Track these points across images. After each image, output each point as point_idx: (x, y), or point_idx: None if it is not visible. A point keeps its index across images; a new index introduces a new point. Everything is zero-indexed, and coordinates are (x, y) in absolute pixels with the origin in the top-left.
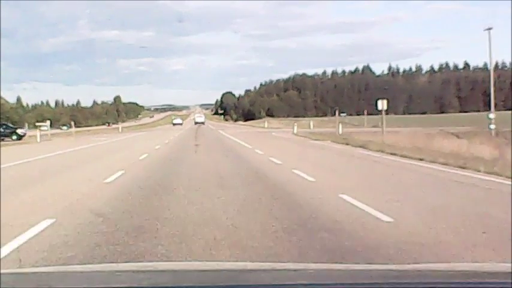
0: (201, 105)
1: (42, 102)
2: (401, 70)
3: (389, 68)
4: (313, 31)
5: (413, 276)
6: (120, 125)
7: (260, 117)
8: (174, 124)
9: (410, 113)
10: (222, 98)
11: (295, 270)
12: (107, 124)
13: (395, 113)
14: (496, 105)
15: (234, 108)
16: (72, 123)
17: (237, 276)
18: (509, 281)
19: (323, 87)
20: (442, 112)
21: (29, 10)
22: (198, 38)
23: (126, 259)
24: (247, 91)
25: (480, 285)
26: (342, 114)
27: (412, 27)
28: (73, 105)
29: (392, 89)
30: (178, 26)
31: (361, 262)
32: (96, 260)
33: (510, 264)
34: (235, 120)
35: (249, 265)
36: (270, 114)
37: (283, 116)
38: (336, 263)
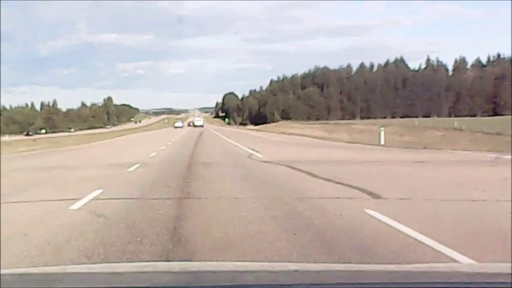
0: (200, 109)
1: (26, 105)
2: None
3: (428, 61)
4: (312, 34)
5: (413, 276)
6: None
7: (274, 120)
8: (175, 127)
9: (456, 115)
10: (223, 99)
11: (295, 270)
12: (26, 134)
13: (438, 115)
14: None
15: (237, 110)
16: None
17: (237, 276)
18: (509, 281)
19: (350, 83)
20: (495, 114)
21: (27, 13)
22: (197, 41)
23: None
24: (252, 91)
25: (480, 285)
26: None
27: (411, 29)
28: (48, 105)
29: (436, 86)
30: (178, 29)
31: (361, 262)
32: None
33: (510, 264)
34: (242, 124)
35: (249, 265)
36: (285, 116)
37: (302, 119)
38: (336, 263)
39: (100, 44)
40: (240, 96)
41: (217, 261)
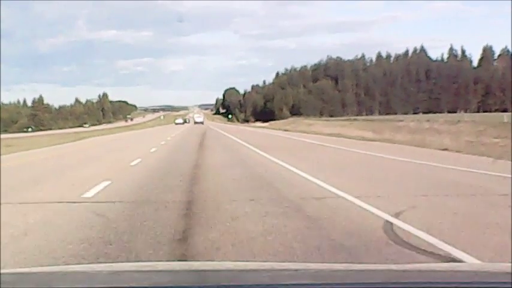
0: (200, 106)
1: (18, 101)
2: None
3: (451, 50)
4: (312, 30)
5: (413, 276)
6: None
7: (282, 117)
8: (176, 123)
9: (485, 111)
10: (224, 95)
11: (295, 270)
12: None
13: (465, 111)
14: None
15: (239, 107)
16: None
17: (237, 276)
18: (509, 280)
19: (367, 75)
20: None
21: (27, 10)
22: (196, 38)
23: None
24: (254, 86)
25: (480, 285)
26: None
27: (411, 26)
28: (33, 101)
29: (462, 79)
30: (177, 26)
31: (361, 262)
32: None
33: (510, 264)
34: (245, 121)
35: (249, 265)
36: (295, 112)
37: (314, 115)
38: (336, 263)
39: (99, 41)
40: (240, 93)
41: (218, 261)
